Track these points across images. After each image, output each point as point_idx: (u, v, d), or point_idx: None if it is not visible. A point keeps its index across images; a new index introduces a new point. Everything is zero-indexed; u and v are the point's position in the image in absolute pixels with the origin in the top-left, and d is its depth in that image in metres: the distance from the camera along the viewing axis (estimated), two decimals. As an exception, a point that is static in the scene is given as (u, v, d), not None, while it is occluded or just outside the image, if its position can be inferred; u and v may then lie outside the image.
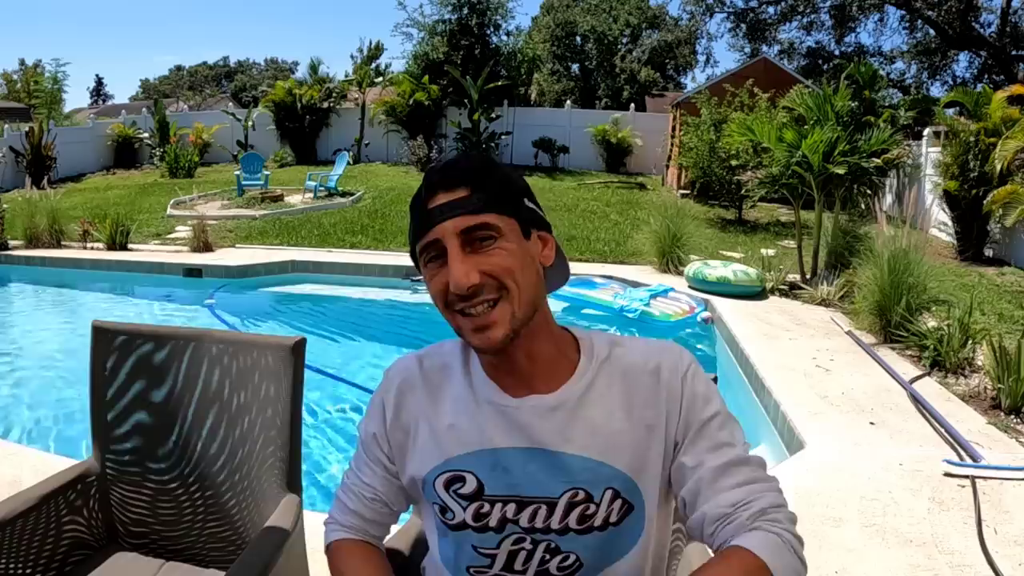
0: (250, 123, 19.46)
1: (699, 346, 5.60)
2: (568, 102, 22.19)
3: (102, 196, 13.26)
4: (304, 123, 19.30)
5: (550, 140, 18.56)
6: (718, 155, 11.06)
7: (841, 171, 6.13)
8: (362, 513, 1.06)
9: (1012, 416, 3.62)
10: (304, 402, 1.60)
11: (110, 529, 1.70)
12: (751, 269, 6.37)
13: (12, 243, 8.29)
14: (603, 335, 1.02)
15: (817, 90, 8.35)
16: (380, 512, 1.06)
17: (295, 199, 12.83)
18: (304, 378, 1.59)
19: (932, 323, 4.74)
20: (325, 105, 19.44)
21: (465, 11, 19.26)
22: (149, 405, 1.65)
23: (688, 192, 13.33)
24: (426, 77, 18.37)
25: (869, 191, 8.56)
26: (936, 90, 23.80)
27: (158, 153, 18.06)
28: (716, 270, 6.34)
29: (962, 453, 3.16)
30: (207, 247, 8.22)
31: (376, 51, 20.10)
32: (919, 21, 22.56)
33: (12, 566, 1.46)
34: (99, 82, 61.24)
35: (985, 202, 7.80)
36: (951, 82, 23.41)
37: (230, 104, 30.24)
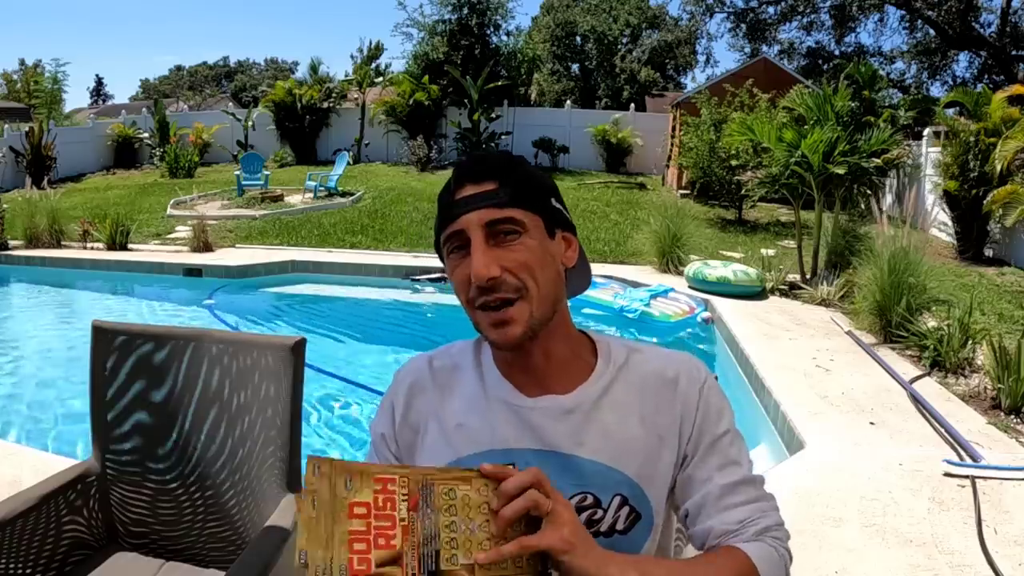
0: (250, 123, 19.46)
1: (699, 346, 5.60)
2: (568, 102, 22.18)
3: (102, 196, 13.26)
4: (304, 123, 19.30)
5: (550, 140, 18.56)
6: (718, 155, 11.06)
7: (841, 171, 6.13)
8: None
9: (1012, 416, 3.62)
10: (304, 402, 1.60)
11: (110, 529, 1.70)
12: (751, 269, 6.37)
13: (12, 243, 8.29)
14: (621, 341, 1.02)
15: (817, 90, 8.35)
16: None
17: (295, 199, 12.83)
18: (304, 378, 1.59)
19: (932, 323, 4.74)
20: (325, 105, 19.43)
21: (465, 11, 19.26)
22: (149, 405, 1.65)
23: (688, 192, 13.33)
24: (426, 77, 18.37)
25: (869, 191, 8.55)
26: (936, 90, 23.83)
27: (158, 153, 18.05)
28: (716, 270, 6.34)
29: (962, 453, 3.16)
30: (207, 247, 8.22)
31: (376, 51, 20.10)
32: (919, 21, 22.56)
33: (12, 566, 1.46)
34: (99, 82, 61.30)
35: (985, 202, 7.80)
36: (951, 82, 23.42)
37: (230, 104, 30.24)
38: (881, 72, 13.18)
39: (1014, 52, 21.03)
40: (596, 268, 7.28)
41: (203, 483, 1.64)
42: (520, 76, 20.57)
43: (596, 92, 32.83)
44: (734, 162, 9.96)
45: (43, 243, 8.32)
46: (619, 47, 32.26)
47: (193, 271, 7.51)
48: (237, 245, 8.80)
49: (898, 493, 2.82)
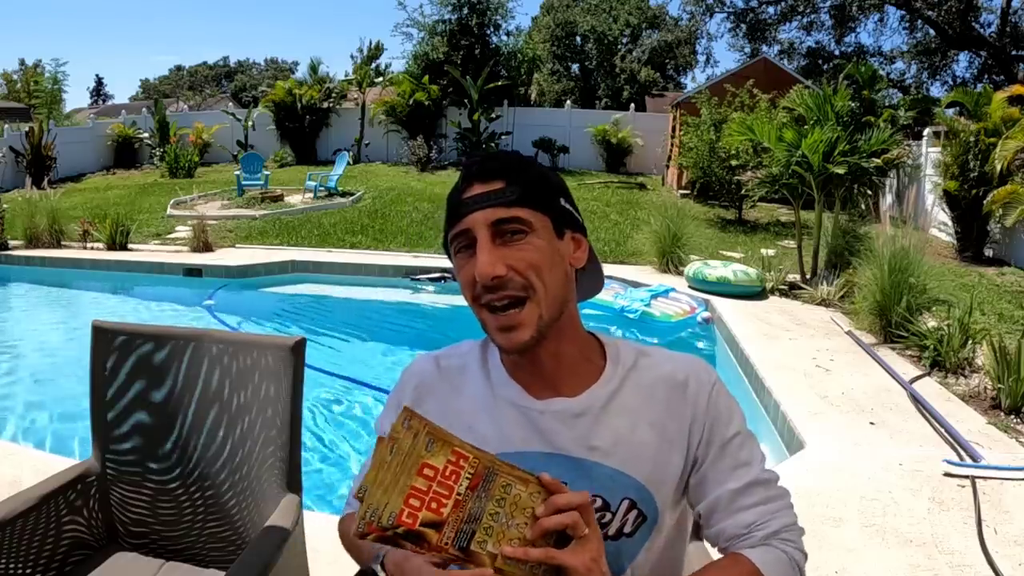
0: (250, 123, 19.46)
1: (699, 346, 5.60)
2: (568, 102, 22.17)
3: (102, 196, 13.26)
4: (304, 123, 19.29)
5: (550, 140, 18.55)
6: (718, 155, 11.06)
7: (841, 171, 6.13)
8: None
9: (1012, 416, 3.62)
10: (304, 402, 1.60)
11: (110, 529, 1.70)
12: (751, 269, 6.37)
13: (12, 243, 8.29)
14: (630, 344, 1.01)
15: (817, 90, 8.34)
16: None
17: (295, 199, 12.83)
18: (304, 378, 1.59)
19: (932, 323, 4.74)
20: (325, 105, 19.43)
21: (465, 11, 19.25)
22: (149, 405, 1.65)
23: (688, 192, 13.33)
24: (426, 77, 18.37)
25: (869, 191, 8.56)
26: (936, 90, 23.82)
27: (158, 153, 18.04)
28: (716, 270, 6.34)
29: (962, 453, 3.16)
30: (207, 247, 8.22)
31: (376, 51, 20.09)
32: (919, 21, 22.55)
33: (12, 566, 1.46)
34: (99, 82, 61.32)
35: (985, 202, 7.80)
36: (951, 82, 23.42)
37: (230, 104, 30.23)
38: (881, 72, 13.17)
39: (1014, 52, 21.03)
40: (596, 268, 7.28)
41: (203, 483, 1.64)
42: (520, 76, 20.57)
43: (596, 92, 32.83)
44: (734, 162, 9.96)
45: (43, 243, 8.32)
46: (619, 47, 32.25)
47: (193, 271, 7.51)
48: (237, 245, 8.80)
49: (898, 493, 2.82)
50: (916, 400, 3.80)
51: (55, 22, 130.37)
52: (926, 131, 10.37)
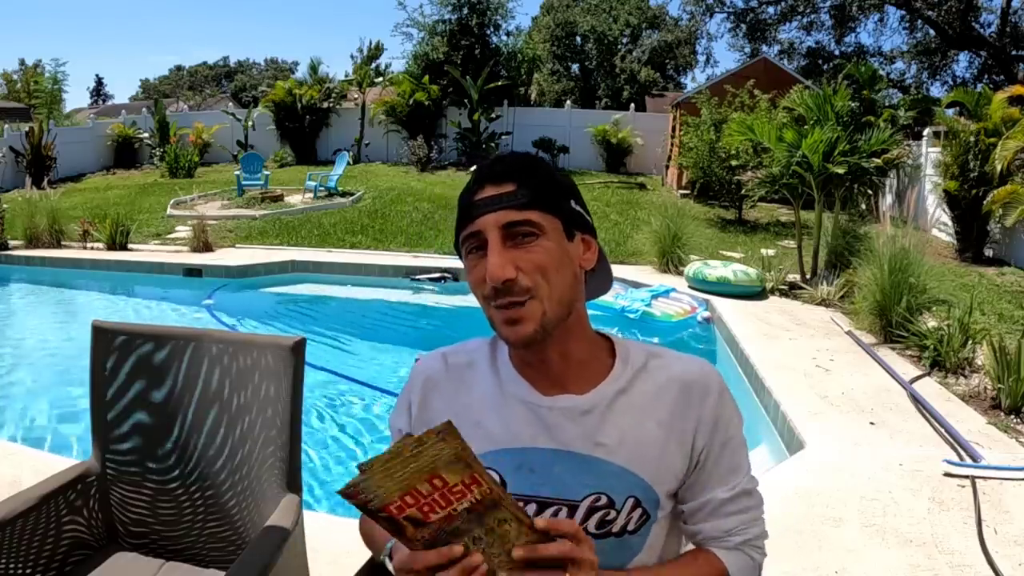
0: (250, 123, 19.46)
1: (699, 346, 5.60)
2: (568, 102, 22.17)
3: (102, 196, 13.26)
4: (304, 123, 19.29)
5: (550, 140, 18.55)
6: (718, 155, 11.05)
7: (841, 171, 6.13)
8: None
9: (1012, 416, 3.62)
10: (304, 402, 1.60)
11: (110, 529, 1.70)
12: (751, 269, 6.37)
13: (12, 243, 8.29)
14: (640, 344, 1.02)
15: (817, 90, 8.35)
16: None
17: (295, 199, 12.83)
18: (304, 378, 1.59)
19: (932, 323, 4.74)
20: (325, 105, 19.42)
21: (465, 11, 19.25)
22: (149, 405, 1.65)
23: (688, 192, 13.33)
24: (426, 77, 18.36)
25: (869, 191, 8.57)
26: (936, 90, 23.81)
27: (158, 153, 18.04)
28: (716, 270, 6.34)
29: (962, 453, 3.16)
30: (207, 247, 8.22)
31: (376, 51, 20.09)
32: (919, 21, 22.55)
33: (12, 566, 1.46)
34: (99, 82, 61.30)
35: (985, 202, 7.80)
36: (951, 82, 23.40)
37: (230, 104, 30.23)
38: (881, 72, 13.18)
39: (1014, 52, 21.02)
40: (596, 268, 7.28)
41: (203, 483, 1.64)
42: (520, 76, 20.56)
43: (596, 92, 32.82)
44: (734, 162, 9.96)
45: (43, 243, 8.32)
46: (619, 47, 32.25)
47: (193, 271, 7.51)
48: (237, 245, 8.80)
49: (898, 493, 2.82)
50: (916, 400, 3.80)
51: (55, 22, 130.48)
52: (926, 131, 10.37)
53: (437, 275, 7.23)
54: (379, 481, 0.70)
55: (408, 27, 20.32)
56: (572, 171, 18.08)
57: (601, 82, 32.55)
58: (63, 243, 8.45)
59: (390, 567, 0.92)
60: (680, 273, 6.95)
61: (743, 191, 9.51)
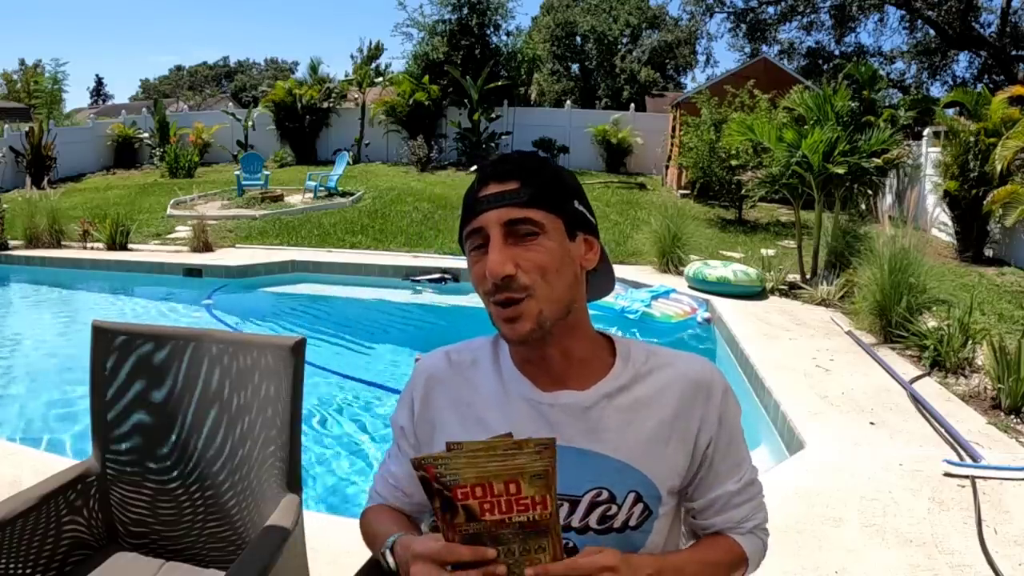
0: (250, 123, 19.46)
1: (700, 347, 5.60)
2: (568, 102, 22.17)
3: (102, 196, 13.26)
4: (304, 123, 19.29)
5: (550, 140, 18.55)
6: (718, 155, 11.06)
7: (841, 171, 6.13)
8: (386, 497, 1.10)
9: (1012, 416, 3.62)
10: (304, 402, 1.60)
11: (110, 529, 1.70)
12: (751, 269, 6.37)
13: (12, 243, 8.29)
14: (641, 343, 1.04)
15: (817, 90, 8.35)
16: (401, 500, 1.09)
17: (295, 199, 12.83)
18: (304, 377, 1.59)
19: (932, 323, 4.74)
20: (325, 105, 19.42)
21: (465, 11, 19.25)
22: (149, 405, 1.65)
23: (688, 192, 13.33)
24: (426, 77, 18.36)
25: (869, 191, 8.57)
26: (936, 90, 23.80)
27: (158, 153, 18.04)
28: (716, 270, 6.33)
29: (962, 453, 3.16)
30: (207, 247, 8.22)
31: (376, 51, 20.09)
32: (919, 21, 22.54)
33: (12, 566, 1.46)
34: (99, 82, 61.30)
35: (985, 202, 7.80)
36: (951, 82, 23.40)
37: (230, 104, 30.23)
38: (881, 72, 13.19)
39: (1014, 52, 21.02)
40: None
41: (203, 483, 1.64)
42: (520, 76, 20.56)
43: (596, 92, 32.82)
44: (734, 162, 9.96)
45: (43, 243, 8.32)
46: (619, 47, 32.25)
47: (193, 271, 7.51)
48: (237, 245, 8.80)
49: (898, 493, 2.82)
50: (916, 400, 3.80)
51: (55, 22, 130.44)
52: (926, 131, 10.37)
53: (437, 276, 7.22)
54: (461, 464, 0.73)
55: (408, 27, 20.35)
56: (572, 171, 17.88)
57: (601, 82, 32.55)
58: (63, 243, 8.45)
59: (390, 561, 0.93)
60: (680, 273, 6.95)
61: (743, 191, 9.51)
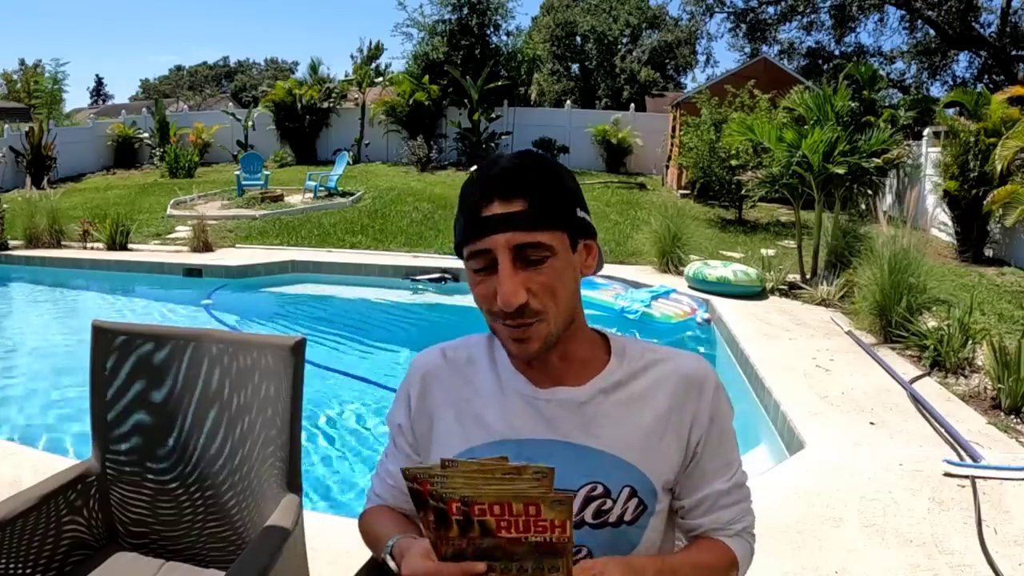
0: (250, 123, 19.46)
1: (700, 348, 5.60)
2: (568, 102, 22.18)
3: (102, 196, 13.25)
4: (304, 123, 19.28)
5: (550, 140, 18.54)
6: (718, 155, 11.05)
7: (841, 171, 6.13)
8: (384, 497, 1.10)
9: (1012, 416, 3.62)
10: (304, 401, 1.60)
11: (110, 529, 1.70)
12: (751, 269, 6.37)
13: (12, 243, 8.29)
14: (635, 341, 1.04)
15: (817, 90, 8.34)
16: (399, 500, 1.09)
17: (295, 199, 12.83)
18: (304, 377, 1.59)
19: (932, 323, 4.73)
20: (325, 105, 19.42)
21: (465, 11, 19.25)
22: (149, 405, 1.65)
23: (688, 192, 13.33)
24: (426, 77, 18.36)
25: (869, 191, 8.56)
26: (936, 90, 23.80)
27: (158, 153, 18.04)
28: (716, 270, 6.33)
29: (962, 453, 3.16)
30: (207, 247, 8.22)
31: (376, 51, 20.09)
32: (919, 21, 22.54)
33: (12, 566, 1.46)
34: (99, 82, 61.29)
35: (985, 202, 7.80)
36: (951, 82, 23.40)
37: (230, 104, 30.23)
38: (881, 72, 13.18)
39: (1014, 52, 21.02)
40: (596, 268, 7.27)
41: (203, 483, 1.63)
42: (520, 76, 20.56)
43: (596, 92, 32.81)
44: (734, 162, 9.96)
45: (43, 243, 8.32)
46: (619, 47, 32.24)
47: (193, 271, 7.51)
48: (237, 245, 8.80)
49: (898, 493, 2.82)
50: (916, 400, 3.80)
51: (55, 22, 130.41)
52: (926, 131, 10.37)
53: (437, 275, 7.22)
54: (458, 484, 0.72)
55: (408, 27, 20.34)
56: (572, 171, 17.88)
57: (601, 82, 32.55)
58: (63, 243, 8.45)
59: (392, 565, 0.93)
60: (680, 273, 6.94)
61: (743, 191, 9.51)
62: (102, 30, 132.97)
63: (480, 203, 0.88)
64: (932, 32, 22.59)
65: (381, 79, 20.10)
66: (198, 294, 6.87)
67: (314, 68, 20.61)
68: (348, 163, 15.30)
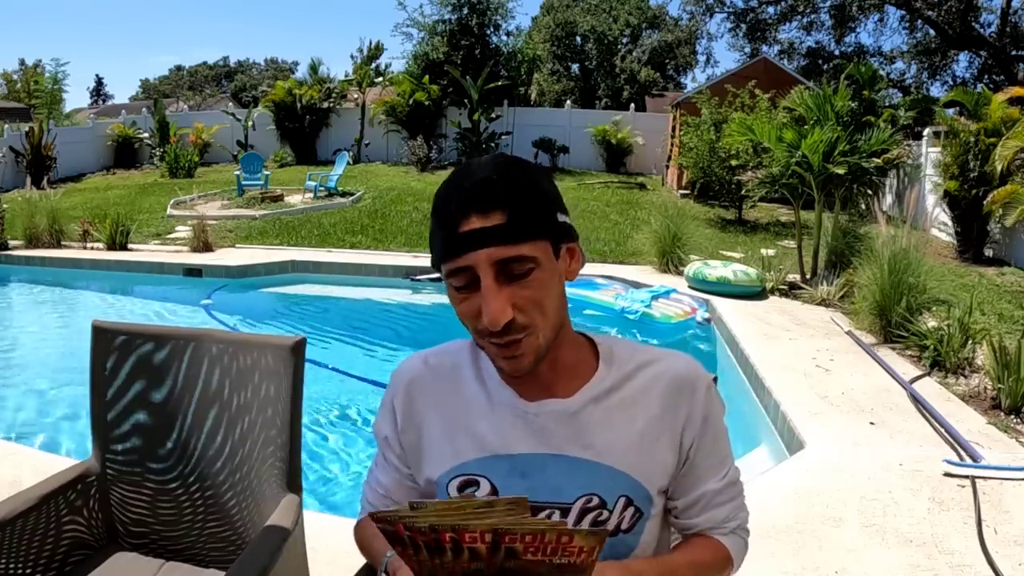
0: (250, 123, 19.46)
1: (700, 346, 5.60)
2: (568, 102, 22.18)
3: (102, 196, 13.26)
4: (304, 123, 19.29)
5: (550, 140, 18.55)
6: (718, 155, 11.05)
7: (841, 171, 6.13)
8: (376, 506, 1.08)
9: (1012, 416, 3.62)
10: (304, 401, 1.60)
11: (110, 529, 1.70)
12: (751, 269, 6.37)
13: (12, 243, 8.29)
14: (624, 342, 1.02)
15: (817, 90, 8.34)
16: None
17: (295, 199, 12.83)
18: (304, 377, 1.59)
19: (932, 323, 4.73)
20: (325, 105, 19.43)
21: (465, 11, 19.25)
22: (149, 405, 1.65)
23: (688, 192, 13.33)
24: (426, 77, 18.37)
25: (869, 191, 8.56)
26: (936, 90, 23.81)
27: (158, 153, 18.05)
28: (716, 270, 6.33)
29: (962, 453, 3.16)
30: (207, 247, 8.22)
31: (376, 51, 20.09)
32: (919, 21, 22.55)
33: (12, 566, 1.46)
34: (99, 82, 61.30)
35: (985, 202, 7.79)
36: (951, 82, 23.41)
37: (230, 104, 30.23)
38: (881, 72, 13.17)
39: (1014, 52, 21.02)
40: (597, 268, 7.29)
41: (203, 483, 1.63)
42: (520, 76, 20.57)
43: (596, 92, 32.82)
44: (734, 162, 9.96)
45: (43, 243, 8.32)
46: (619, 47, 32.26)
47: (193, 271, 7.51)
48: (237, 245, 8.80)
49: (898, 493, 2.82)
50: (916, 400, 3.80)
51: (55, 22, 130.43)
52: (926, 131, 10.37)
53: (437, 275, 7.19)
54: (432, 522, 0.71)
55: (408, 27, 20.36)
56: (572, 171, 18.09)
57: (601, 82, 32.55)
58: (63, 243, 8.45)
59: None
60: (680, 273, 6.94)
61: (743, 191, 9.51)
62: (102, 30, 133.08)
63: (457, 218, 0.83)
64: (932, 32, 22.60)
65: (381, 79, 20.10)
66: (198, 294, 6.87)
67: (314, 68, 20.61)
68: (348, 163, 15.30)
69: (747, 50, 25.73)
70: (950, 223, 8.79)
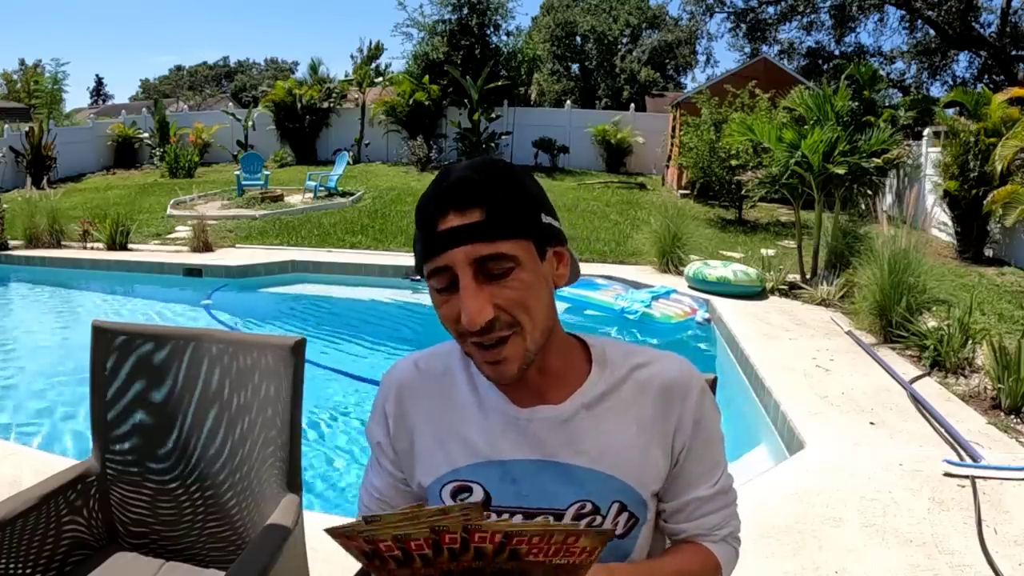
0: (250, 123, 19.46)
1: (700, 346, 5.60)
2: (568, 102, 22.18)
3: (102, 196, 13.25)
4: (304, 123, 19.29)
5: (550, 140, 18.55)
6: (718, 155, 11.06)
7: (841, 171, 6.13)
8: (373, 510, 1.07)
9: (1012, 416, 3.62)
10: (304, 401, 1.60)
11: (110, 529, 1.70)
12: (751, 269, 6.37)
13: (12, 243, 8.29)
14: (617, 344, 1.00)
15: (817, 90, 8.34)
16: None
17: (295, 199, 12.83)
18: (304, 377, 1.58)
19: (932, 323, 4.74)
20: (325, 105, 19.43)
21: (465, 11, 19.26)
22: (149, 405, 1.65)
23: (688, 192, 13.33)
24: (426, 77, 18.37)
25: (869, 191, 8.57)
26: (936, 90, 23.82)
27: (158, 153, 18.05)
28: (716, 270, 6.33)
29: (962, 453, 3.16)
30: (207, 247, 8.22)
31: (376, 51, 20.09)
32: (919, 21, 22.55)
33: (12, 566, 1.46)
34: (99, 82, 61.31)
35: (985, 202, 7.80)
36: (951, 82, 23.42)
37: (230, 104, 30.24)
38: (881, 72, 13.19)
39: (1014, 52, 21.02)
40: (596, 268, 7.29)
41: (203, 483, 1.63)
42: (520, 76, 20.57)
43: (596, 92, 32.83)
44: (734, 162, 9.96)
45: (43, 243, 8.32)
46: (619, 47, 32.26)
47: (193, 271, 7.51)
48: (237, 245, 8.80)
49: (898, 493, 2.82)
50: (916, 400, 3.80)
51: (55, 22, 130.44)
52: (926, 131, 10.37)
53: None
54: (387, 534, 0.70)
55: (408, 27, 20.37)
56: (572, 171, 18.10)
57: (601, 82, 32.56)
58: (63, 243, 8.45)
59: None
60: (680, 273, 6.94)
61: (743, 191, 9.51)
62: (102, 30, 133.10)
63: (435, 217, 0.83)
64: (932, 32, 22.61)
65: (381, 79, 20.10)
66: (198, 294, 6.87)
67: (314, 68, 20.62)
68: (348, 163, 15.31)
69: (747, 50, 25.75)
70: (950, 223, 8.79)
